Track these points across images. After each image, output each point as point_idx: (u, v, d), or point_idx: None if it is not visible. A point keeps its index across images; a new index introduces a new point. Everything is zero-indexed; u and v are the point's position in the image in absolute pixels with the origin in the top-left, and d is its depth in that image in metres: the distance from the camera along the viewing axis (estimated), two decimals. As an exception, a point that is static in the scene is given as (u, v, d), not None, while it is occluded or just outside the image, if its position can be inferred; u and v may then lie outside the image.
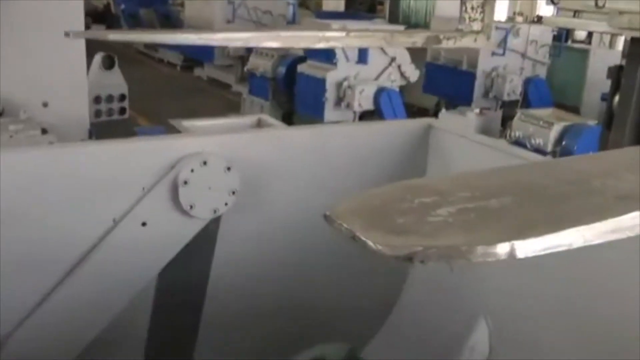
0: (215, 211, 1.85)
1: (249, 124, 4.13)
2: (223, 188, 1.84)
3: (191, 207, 1.81)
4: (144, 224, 1.83)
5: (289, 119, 7.37)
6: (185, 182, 1.77)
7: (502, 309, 1.99)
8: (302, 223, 2.07)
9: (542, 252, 0.85)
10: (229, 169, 1.82)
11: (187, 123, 3.89)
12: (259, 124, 4.08)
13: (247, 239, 2.03)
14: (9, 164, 1.63)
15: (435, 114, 7.07)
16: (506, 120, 6.63)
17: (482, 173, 1.12)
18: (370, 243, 0.85)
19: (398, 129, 2.26)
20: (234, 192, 1.85)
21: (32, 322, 1.89)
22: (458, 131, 2.20)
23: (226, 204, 1.86)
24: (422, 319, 2.23)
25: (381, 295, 2.35)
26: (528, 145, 5.40)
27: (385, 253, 0.83)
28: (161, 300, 2.00)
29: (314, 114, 6.97)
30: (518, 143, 5.46)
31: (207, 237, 1.93)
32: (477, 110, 6.93)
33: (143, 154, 1.80)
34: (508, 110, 7.12)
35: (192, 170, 1.78)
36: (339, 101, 6.90)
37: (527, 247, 0.84)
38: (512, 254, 0.83)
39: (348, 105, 6.83)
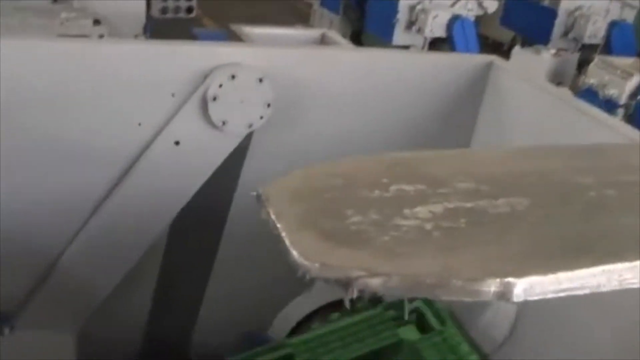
0: (250, 126, 1.78)
1: (312, 38, 3.99)
2: (256, 101, 1.75)
3: (224, 123, 1.74)
4: (177, 143, 1.78)
5: (357, 38, 7.16)
6: (215, 98, 1.69)
7: None
8: (338, 148, 1.99)
9: (552, 296, 0.59)
10: (261, 80, 1.72)
11: (248, 30, 3.79)
12: (322, 40, 3.94)
13: (278, 158, 1.94)
14: (27, 55, 1.58)
15: (509, 50, 6.79)
16: (582, 65, 6.30)
17: (499, 153, 0.86)
18: (294, 254, 0.61)
19: (455, 63, 2.12)
20: (269, 105, 1.76)
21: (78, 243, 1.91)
22: (520, 73, 2.05)
23: (261, 117, 1.78)
24: None
25: None
26: (600, 95, 5.12)
27: (308, 271, 0.60)
28: (184, 217, 1.95)
29: (382, 35, 6.74)
30: (589, 91, 5.18)
31: (237, 154, 1.86)
32: (553, 51, 6.59)
33: (173, 60, 1.72)
34: (586, 54, 6.75)
35: (220, 86, 1.69)
36: (410, 25, 6.65)
37: (529, 289, 0.58)
38: (503, 295, 0.58)
39: (419, 30, 6.58)
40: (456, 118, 2.12)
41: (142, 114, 1.76)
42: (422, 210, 0.65)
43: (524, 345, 1.89)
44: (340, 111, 1.99)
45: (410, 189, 0.69)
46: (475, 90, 2.10)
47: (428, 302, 2.00)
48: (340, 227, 0.63)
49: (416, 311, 1.99)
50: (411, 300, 2.00)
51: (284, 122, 1.89)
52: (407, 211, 0.65)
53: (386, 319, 1.97)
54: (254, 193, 0.73)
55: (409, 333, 1.95)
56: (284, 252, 0.64)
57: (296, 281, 2.22)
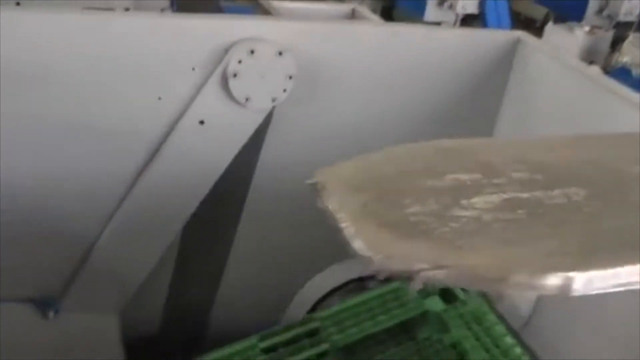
0: (274, 100, 1.77)
1: (342, 13, 3.98)
2: (278, 74, 1.75)
3: (247, 99, 1.74)
4: (202, 122, 1.78)
5: (388, 13, 7.12)
6: (235, 75, 1.70)
7: None
8: (361, 125, 2.01)
9: (610, 290, 0.60)
10: (281, 53, 1.72)
11: (276, 4, 3.79)
12: (353, 15, 3.93)
13: (299, 135, 1.97)
14: (51, 28, 1.59)
15: (542, 27, 6.71)
16: (616, 43, 6.21)
17: (550, 141, 0.80)
18: (357, 245, 0.60)
19: (481, 40, 2.07)
20: (291, 77, 1.75)
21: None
22: (549, 50, 2.01)
23: (284, 90, 1.77)
24: None
25: None
26: (633, 73, 5.06)
27: (371, 262, 0.59)
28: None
29: (414, 11, 6.70)
30: (623, 70, 5.12)
31: (257, 131, 1.88)
32: (587, 28, 6.51)
33: (192, 34, 1.73)
34: (621, 32, 6.65)
35: (239, 62, 1.69)
36: (442, 1, 6.60)
37: (589, 284, 0.58)
38: (563, 289, 0.58)
39: (451, 7, 6.53)
40: (482, 96, 2.09)
41: (162, 88, 1.76)
42: (479, 201, 0.66)
43: (546, 327, 1.89)
44: (362, 88, 1.97)
45: (466, 178, 0.69)
46: (501, 68, 2.06)
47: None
48: (400, 217, 0.63)
49: (442, 282, 2.01)
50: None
51: (304, 98, 1.88)
52: (464, 202, 0.64)
53: (412, 290, 2.00)
54: (309, 182, 0.72)
55: (435, 304, 1.98)
56: (344, 243, 0.62)
57: (315, 259, 2.26)
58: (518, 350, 1.79)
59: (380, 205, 0.65)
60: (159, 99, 1.75)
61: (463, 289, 1.96)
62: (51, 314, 2.05)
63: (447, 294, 1.99)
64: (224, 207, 2.00)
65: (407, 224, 0.61)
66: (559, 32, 6.37)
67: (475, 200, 0.64)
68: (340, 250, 2.22)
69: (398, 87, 1.99)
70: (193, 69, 1.73)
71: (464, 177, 0.68)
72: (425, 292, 2.00)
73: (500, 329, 1.85)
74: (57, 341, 1.99)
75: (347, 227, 0.61)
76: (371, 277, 2.25)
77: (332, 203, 0.63)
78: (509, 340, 1.82)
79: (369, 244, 0.58)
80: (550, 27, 6.57)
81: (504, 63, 2.05)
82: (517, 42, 2.04)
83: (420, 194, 0.66)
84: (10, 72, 1.59)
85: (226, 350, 1.99)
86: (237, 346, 1.99)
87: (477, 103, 2.10)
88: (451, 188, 0.67)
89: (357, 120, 2.01)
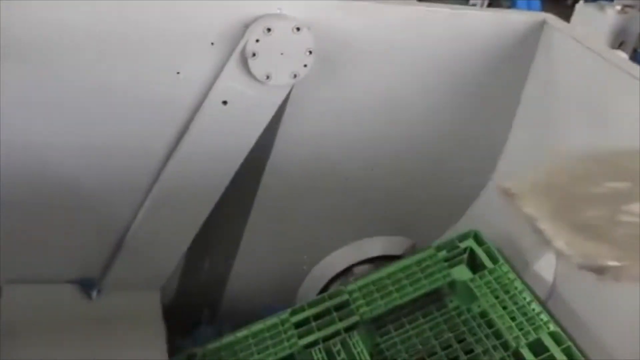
0: (295, 76, 1.76)
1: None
2: (297, 49, 1.73)
3: (268, 77, 1.74)
4: (224, 103, 1.79)
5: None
6: (254, 54, 1.69)
7: None
8: (379, 104, 2.00)
9: None
10: (298, 29, 1.71)
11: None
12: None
13: (318, 112, 1.96)
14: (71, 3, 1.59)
15: (573, 5, 6.63)
16: (649, 22, 6.11)
17: None
18: (559, 244, 0.70)
19: (506, 21, 2.02)
20: (310, 52, 1.74)
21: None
22: (575, 34, 1.93)
23: (305, 65, 1.75)
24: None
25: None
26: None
27: (572, 259, 0.68)
28: None
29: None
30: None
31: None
32: (619, 7, 6.40)
33: (210, 9, 1.71)
34: (654, 10, 6.55)
35: (257, 41, 1.68)
36: (470, -22, 6.55)
37: None
38: None
39: (479, -16, 6.49)
40: (505, 78, 2.06)
41: (180, 63, 1.75)
42: (636, 208, 0.72)
43: (570, 297, 1.88)
44: (383, 67, 1.94)
45: (621, 186, 0.75)
46: (525, 50, 2.02)
47: (479, 241, 2.04)
48: (582, 220, 0.71)
49: (468, 251, 2.03)
50: (461, 239, 2.05)
51: (323, 77, 1.86)
52: (624, 207, 0.71)
53: (438, 260, 2.03)
54: (500, 188, 0.78)
55: (461, 273, 2.00)
56: (545, 242, 0.70)
57: (329, 238, 2.25)
58: (545, 317, 1.80)
59: (565, 209, 0.73)
60: (178, 73, 1.75)
61: (491, 257, 1.97)
62: (94, 293, 2.11)
63: (474, 263, 2.01)
64: (241, 184, 2.01)
65: (588, 227, 0.69)
66: (589, 11, 6.28)
67: (632, 207, 0.71)
68: (354, 229, 2.23)
69: (419, 67, 1.97)
70: (212, 43, 1.72)
71: (619, 185, 0.75)
72: (452, 262, 2.01)
73: (526, 296, 1.86)
74: (101, 320, 2.05)
75: (547, 229, 0.70)
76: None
77: (528, 207, 0.71)
78: (535, 307, 1.83)
79: (568, 244, 0.67)
80: (581, 5, 6.49)
81: (529, 45, 2.01)
82: (542, 24, 1.99)
83: (591, 200, 0.74)
84: (31, 47, 1.60)
85: (258, 325, 2.04)
86: (269, 321, 2.05)
87: (499, 85, 2.07)
88: (611, 196, 0.74)
89: (376, 100, 1.99)
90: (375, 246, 2.34)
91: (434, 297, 1.98)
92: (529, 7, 6.39)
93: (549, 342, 1.76)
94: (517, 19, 2.02)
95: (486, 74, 2.01)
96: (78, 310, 2.06)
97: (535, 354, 1.74)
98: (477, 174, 2.25)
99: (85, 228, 2.03)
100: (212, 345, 2.04)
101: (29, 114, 1.74)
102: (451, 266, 2.01)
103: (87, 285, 2.11)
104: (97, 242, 2.08)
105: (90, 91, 1.73)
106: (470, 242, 2.03)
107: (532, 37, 2.00)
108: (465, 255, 2.02)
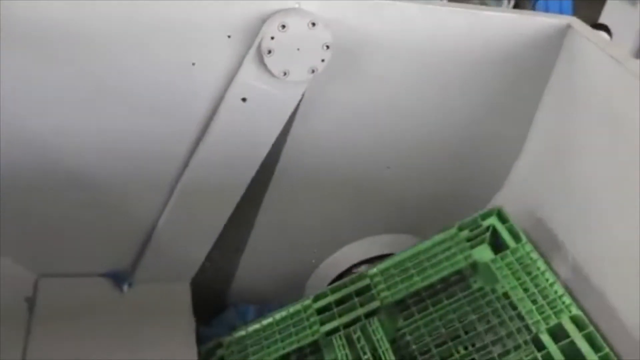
0: (312, 71, 1.74)
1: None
2: (313, 45, 1.71)
3: (285, 73, 1.73)
4: (244, 100, 1.79)
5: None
6: (270, 52, 1.68)
7: None
8: (394, 104, 1.98)
9: None
10: (314, 24, 1.68)
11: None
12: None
13: (333, 110, 1.95)
14: None
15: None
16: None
17: None
18: None
19: (529, 23, 1.94)
20: (327, 47, 1.71)
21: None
22: (598, 41, 1.84)
23: (323, 60, 1.73)
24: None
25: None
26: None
27: None
28: None
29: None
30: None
31: None
32: (651, 2, 6.30)
33: (226, 3, 1.69)
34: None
35: (272, 38, 1.67)
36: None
37: None
38: None
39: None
40: (523, 83, 2.00)
41: (196, 53, 1.74)
42: None
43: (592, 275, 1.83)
44: (400, 66, 1.90)
45: None
46: (548, 55, 1.95)
47: (502, 218, 1.98)
48: None
49: (490, 229, 1.98)
50: (484, 217, 2.01)
51: (336, 74, 1.83)
52: None
53: (460, 240, 1.99)
54: None
55: (483, 253, 1.95)
56: None
57: (338, 234, 2.27)
58: (567, 300, 1.75)
59: None
60: (193, 64, 1.75)
61: (513, 236, 1.93)
62: (125, 287, 2.18)
63: (497, 242, 1.97)
64: (252, 178, 2.02)
65: None
66: (621, 7, 6.17)
67: None
68: (365, 226, 2.21)
69: (436, 67, 1.92)
70: (228, 36, 1.71)
71: None
72: (474, 242, 1.97)
73: (549, 277, 1.81)
74: (133, 312, 2.12)
75: None
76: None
77: None
78: (558, 289, 1.78)
79: None
80: (612, 2, 6.41)
81: (552, 50, 1.95)
82: (567, 28, 1.92)
83: None
84: (48, 34, 1.61)
85: (282, 313, 2.07)
86: (292, 308, 2.07)
87: (518, 88, 2.02)
88: None
89: (392, 98, 1.96)
90: (384, 244, 2.34)
91: (458, 278, 1.95)
92: (561, 6, 6.35)
93: (570, 326, 1.71)
94: (541, 21, 1.95)
95: (505, 76, 1.97)
96: (109, 303, 2.13)
97: (556, 340, 1.70)
98: (492, 177, 2.22)
99: (115, 224, 2.08)
100: (237, 334, 2.08)
101: (61, 111, 1.77)
102: (473, 246, 1.96)
103: (118, 279, 2.18)
104: (127, 237, 2.13)
105: (107, 84, 1.74)
106: (493, 220, 1.98)
107: (556, 40, 1.94)
108: (488, 234, 1.97)
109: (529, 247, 1.89)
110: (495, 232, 1.97)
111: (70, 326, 1.99)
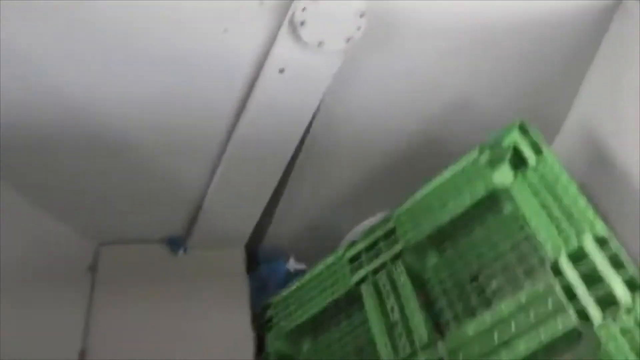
0: (348, 40, 1.68)
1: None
2: (347, 14, 1.65)
3: (320, 43, 1.68)
4: (281, 71, 1.76)
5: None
6: (303, 23, 1.63)
7: None
8: (430, 80, 1.92)
9: None
10: None
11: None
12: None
13: (367, 82, 1.90)
14: None
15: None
16: None
17: None
18: None
19: (567, 6, 1.78)
20: (361, 15, 1.64)
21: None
22: None
23: (358, 28, 1.67)
24: None
25: None
26: None
27: None
28: None
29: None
30: None
31: None
32: None
33: None
34: None
35: (303, 9, 1.62)
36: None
37: None
38: None
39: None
40: (567, 66, 1.89)
41: (227, 20, 1.70)
42: None
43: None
44: (438, 42, 1.82)
45: None
46: (592, 38, 1.82)
47: (524, 132, 1.72)
48: None
49: (512, 147, 1.73)
50: (506, 133, 1.76)
51: (373, 45, 1.78)
52: None
53: (482, 164, 1.75)
54: None
55: (504, 175, 1.70)
56: None
57: (366, 205, 2.14)
58: (591, 215, 1.48)
59: None
60: (225, 31, 1.71)
61: (535, 150, 1.67)
62: (180, 252, 2.25)
63: (519, 161, 1.71)
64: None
65: None
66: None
67: None
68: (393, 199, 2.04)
69: (472, 48, 1.83)
70: (261, 3, 1.67)
71: None
72: (494, 163, 1.73)
73: (572, 190, 1.54)
74: (187, 276, 2.18)
75: None
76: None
77: None
78: (580, 202, 1.51)
79: None
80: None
81: (597, 30, 1.81)
82: (613, 9, 1.76)
83: None
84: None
85: (319, 267, 2.01)
86: (329, 260, 2.01)
87: (559, 71, 1.92)
88: None
89: (426, 74, 1.89)
90: None
91: (489, 204, 1.72)
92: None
93: (591, 247, 1.44)
94: (581, 5, 1.78)
95: (547, 58, 1.88)
96: (165, 268, 2.22)
97: (576, 262, 1.44)
98: None
99: (166, 192, 2.15)
100: (283, 293, 2.07)
101: (105, 79, 1.79)
102: (494, 169, 1.71)
103: (174, 244, 2.26)
104: (179, 205, 2.21)
105: (138, 47, 1.73)
106: (514, 136, 1.72)
107: (599, 24, 1.80)
108: (509, 152, 1.72)
109: (551, 158, 1.63)
110: (516, 149, 1.72)
111: (131, 292, 2.09)
